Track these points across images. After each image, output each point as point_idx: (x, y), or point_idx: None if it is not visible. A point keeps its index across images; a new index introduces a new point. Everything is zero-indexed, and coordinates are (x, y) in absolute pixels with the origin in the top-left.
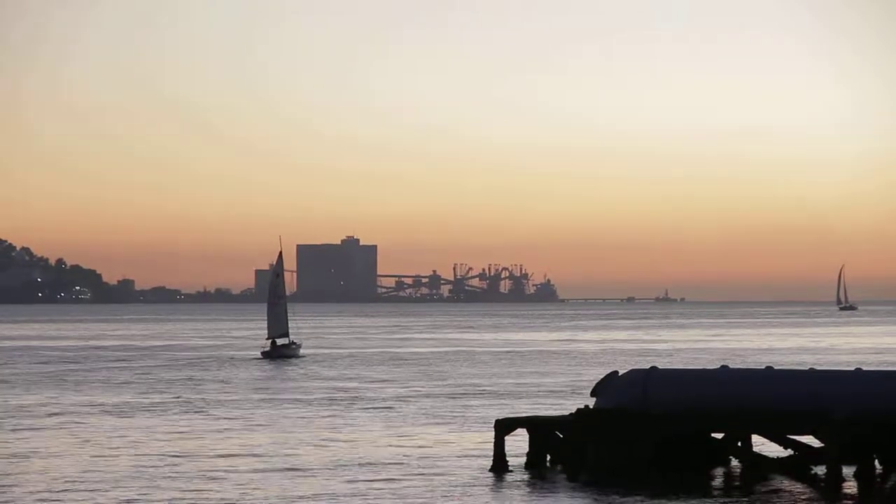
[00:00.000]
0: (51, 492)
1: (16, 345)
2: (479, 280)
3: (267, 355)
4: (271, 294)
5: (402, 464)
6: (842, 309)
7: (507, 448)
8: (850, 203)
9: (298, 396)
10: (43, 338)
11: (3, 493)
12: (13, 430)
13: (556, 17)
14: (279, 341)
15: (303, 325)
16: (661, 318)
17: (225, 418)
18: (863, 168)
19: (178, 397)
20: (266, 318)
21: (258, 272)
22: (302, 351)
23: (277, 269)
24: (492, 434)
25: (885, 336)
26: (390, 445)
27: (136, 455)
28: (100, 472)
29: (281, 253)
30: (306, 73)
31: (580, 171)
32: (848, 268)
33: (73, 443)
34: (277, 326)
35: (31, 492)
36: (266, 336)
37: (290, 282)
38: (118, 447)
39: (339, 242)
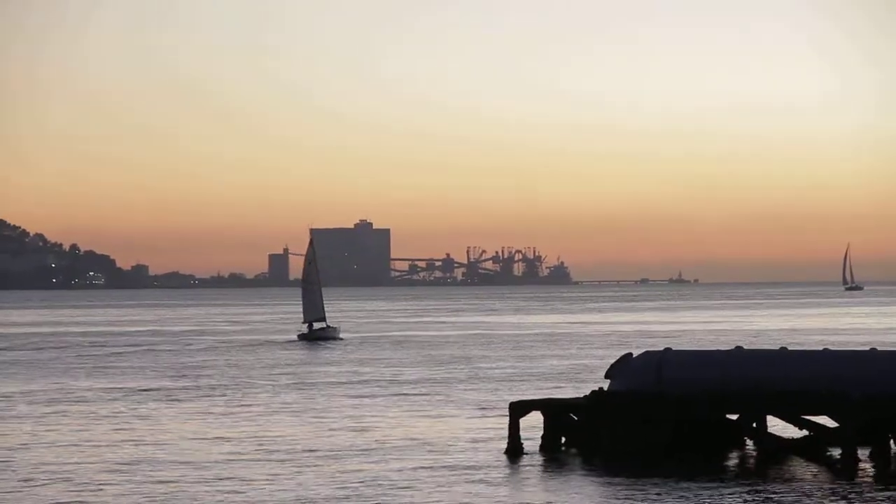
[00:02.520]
0: (92, 473)
1: (46, 330)
2: (493, 263)
3: (304, 337)
4: (305, 280)
5: (417, 447)
6: (848, 289)
7: (521, 431)
8: (855, 182)
9: (321, 380)
10: (76, 323)
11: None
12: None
13: None
14: (316, 325)
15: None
16: (674, 300)
17: (244, 404)
18: (864, 144)
19: (196, 381)
20: (301, 302)
21: (272, 256)
22: (341, 335)
23: (309, 256)
24: (506, 417)
25: (894, 316)
26: (405, 429)
27: (156, 440)
28: (137, 457)
29: (312, 240)
30: (320, 56)
31: (593, 153)
32: (853, 247)
33: (117, 428)
34: (313, 311)
35: (72, 473)
36: (302, 320)
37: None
38: (151, 432)
39: (352, 226)
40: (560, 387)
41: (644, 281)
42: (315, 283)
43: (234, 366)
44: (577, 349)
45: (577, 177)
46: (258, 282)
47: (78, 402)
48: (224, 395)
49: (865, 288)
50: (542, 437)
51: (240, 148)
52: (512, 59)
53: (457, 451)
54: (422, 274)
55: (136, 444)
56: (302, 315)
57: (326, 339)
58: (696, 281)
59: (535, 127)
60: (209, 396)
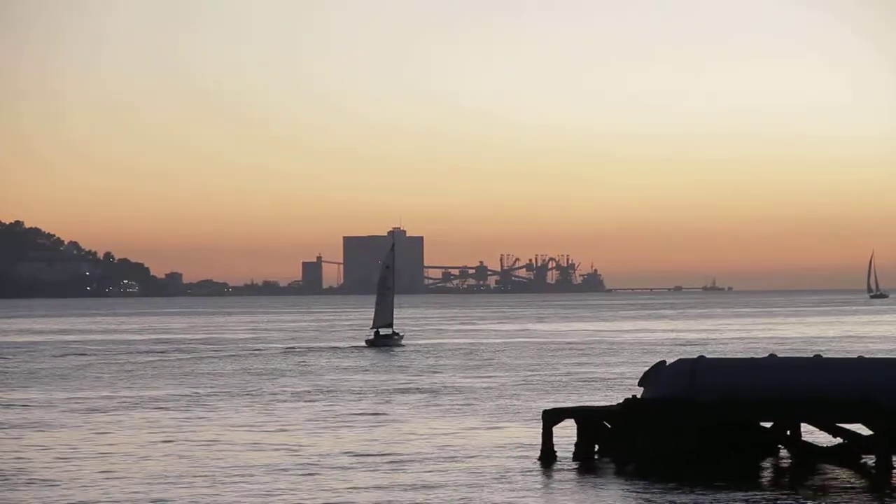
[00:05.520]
0: (146, 480)
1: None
2: (526, 271)
3: (371, 343)
4: (381, 286)
5: (451, 455)
6: (872, 297)
7: (555, 439)
8: (879, 188)
9: (360, 387)
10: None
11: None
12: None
13: (606, 3)
14: (382, 331)
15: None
16: (708, 308)
17: (276, 412)
18: (889, 149)
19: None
20: (374, 308)
21: (305, 264)
22: (404, 341)
23: (387, 261)
24: (540, 425)
25: None
26: (438, 436)
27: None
28: (191, 465)
29: (393, 245)
30: (352, 63)
31: (627, 160)
32: (877, 255)
33: (176, 434)
34: (383, 317)
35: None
36: (371, 326)
37: (337, 273)
38: (212, 439)
39: (385, 234)
40: (593, 394)
41: (678, 289)
42: (390, 290)
43: (308, 372)
44: (611, 357)
45: (611, 184)
46: (292, 290)
47: (150, 409)
48: (303, 402)
49: (890, 296)
50: (576, 444)
51: (271, 156)
52: (545, 66)
53: (490, 457)
54: (455, 282)
55: (183, 452)
56: (372, 320)
57: (391, 345)
58: (729, 289)
59: (570, 134)
60: (273, 403)
